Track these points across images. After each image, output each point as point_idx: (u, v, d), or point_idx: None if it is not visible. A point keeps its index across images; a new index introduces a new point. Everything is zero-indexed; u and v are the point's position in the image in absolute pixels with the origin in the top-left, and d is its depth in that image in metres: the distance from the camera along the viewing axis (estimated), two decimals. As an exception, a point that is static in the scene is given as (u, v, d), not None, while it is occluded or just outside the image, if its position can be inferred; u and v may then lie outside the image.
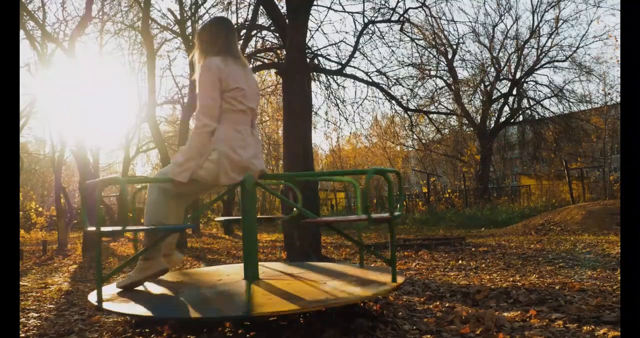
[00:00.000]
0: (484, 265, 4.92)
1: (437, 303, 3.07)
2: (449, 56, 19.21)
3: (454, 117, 20.69)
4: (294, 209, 3.51)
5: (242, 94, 2.89)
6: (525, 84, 20.52)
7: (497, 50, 20.61)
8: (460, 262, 5.30)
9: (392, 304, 3.05)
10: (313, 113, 10.26)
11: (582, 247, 6.17)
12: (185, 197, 3.06)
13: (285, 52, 7.78)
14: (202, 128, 2.81)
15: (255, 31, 12.05)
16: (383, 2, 12.59)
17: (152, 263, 2.89)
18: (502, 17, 20.77)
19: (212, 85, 2.84)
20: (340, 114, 12.94)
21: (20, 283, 4.91)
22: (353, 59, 10.88)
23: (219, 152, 2.80)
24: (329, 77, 12.13)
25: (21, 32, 10.63)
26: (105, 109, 22.96)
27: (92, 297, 2.64)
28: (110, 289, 2.93)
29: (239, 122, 2.90)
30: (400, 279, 2.72)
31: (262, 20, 11.87)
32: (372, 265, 3.69)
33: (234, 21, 12.22)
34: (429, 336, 2.34)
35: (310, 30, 9.85)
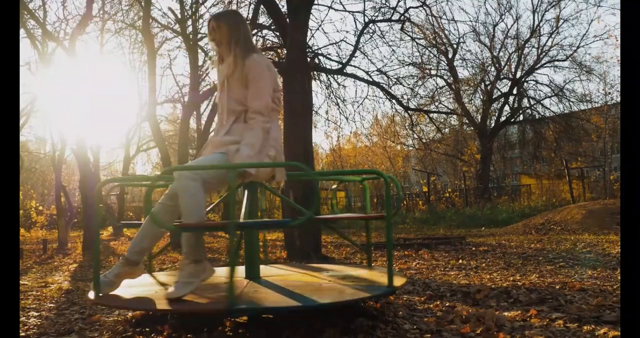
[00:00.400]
0: (484, 265, 4.92)
1: (438, 302, 3.07)
2: (450, 55, 19.20)
3: (455, 116, 20.70)
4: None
5: (281, 96, 2.96)
6: (525, 84, 20.53)
7: (497, 50, 20.64)
8: (460, 261, 5.30)
9: (392, 303, 3.05)
10: (313, 112, 10.25)
11: (583, 247, 6.17)
12: (212, 190, 2.96)
13: (285, 51, 7.78)
14: (266, 123, 2.77)
15: (255, 30, 12.03)
16: (384, 2, 12.57)
17: (205, 265, 2.64)
18: (503, 17, 20.88)
19: (272, 83, 2.82)
20: (340, 113, 12.97)
21: (21, 282, 4.91)
22: (354, 58, 10.88)
23: (276, 150, 2.80)
24: (329, 76, 12.12)
25: (22, 31, 10.63)
26: (105, 108, 22.97)
27: (91, 293, 2.64)
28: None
29: (278, 122, 2.96)
30: (400, 281, 2.72)
31: (263, 19, 11.86)
32: (373, 264, 3.69)
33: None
34: (429, 335, 2.34)
35: (310, 30, 9.84)
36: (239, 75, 2.80)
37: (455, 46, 19.11)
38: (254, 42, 3.04)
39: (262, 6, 10.37)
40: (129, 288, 2.77)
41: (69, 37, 10.17)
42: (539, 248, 6.28)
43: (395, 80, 13.08)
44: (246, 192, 3.04)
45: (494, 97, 20.59)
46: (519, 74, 20.41)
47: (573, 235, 8.24)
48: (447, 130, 21.28)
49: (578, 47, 19.73)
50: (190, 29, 12.82)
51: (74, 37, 9.50)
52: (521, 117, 20.65)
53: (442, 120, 20.03)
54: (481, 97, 20.91)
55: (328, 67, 11.63)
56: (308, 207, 3.93)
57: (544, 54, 20.07)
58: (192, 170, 2.56)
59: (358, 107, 16.49)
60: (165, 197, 2.69)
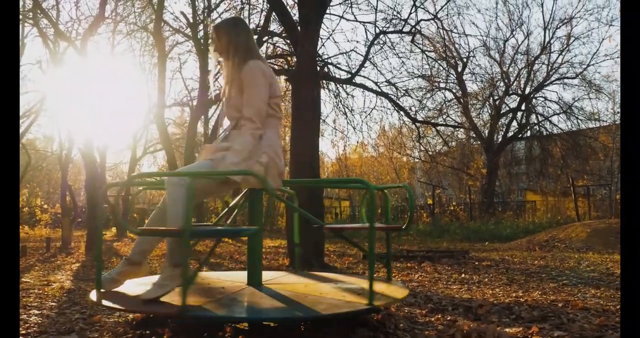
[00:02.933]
0: (486, 280, 4.90)
1: (439, 316, 3.05)
2: (459, 69, 19.23)
3: (462, 130, 20.68)
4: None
5: (280, 102, 2.94)
6: (534, 100, 20.52)
7: (507, 65, 20.66)
8: (463, 275, 5.27)
9: (393, 315, 3.03)
10: (321, 121, 10.27)
11: (586, 265, 6.13)
12: (200, 197, 3.01)
13: (295, 59, 7.81)
14: (256, 130, 2.79)
15: (266, 37, 12.11)
16: (395, 13, 12.63)
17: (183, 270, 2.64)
18: (514, 32, 20.93)
19: (265, 89, 2.84)
20: (348, 122, 13.01)
21: (23, 279, 4.92)
22: (363, 69, 10.91)
23: (268, 156, 2.79)
24: (338, 86, 12.16)
25: (34, 30, 10.72)
26: (114, 109, 23.10)
27: (92, 294, 2.64)
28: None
29: (278, 129, 2.95)
30: (403, 292, 2.71)
31: (274, 26, 11.94)
32: (376, 275, 3.68)
33: (245, 27, 12.28)
34: (429, 349, 2.32)
35: (321, 39, 9.89)
36: (237, 83, 2.85)
37: (465, 60, 19.15)
38: (256, 47, 3.03)
39: (273, 14, 10.43)
40: (130, 290, 2.77)
41: (81, 37, 10.26)
42: (542, 265, 6.24)
43: (403, 91, 13.11)
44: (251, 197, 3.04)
45: (502, 112, 20.58)
46: (527, 90, 20.41)
47: (577, 254, 8.19)
48: (453, 143, 21.26)
49: (588, 66, 19.73)
50: (201, 33, 12.92)
51: (86, 38, 9.58)
52: (529, 133, 20.62)
53: (449, 134, 20.02)
54: (489, 111, 20.92)
55: (337, 76, 11.67)
56: (311, 214, 3.93)
57: (553, 71, 20.07)
58: (178, 176, 2.58)
59: (366, 117, 16.45)
60: (162, 201, 2.77)
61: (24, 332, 2.66)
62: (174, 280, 2.54)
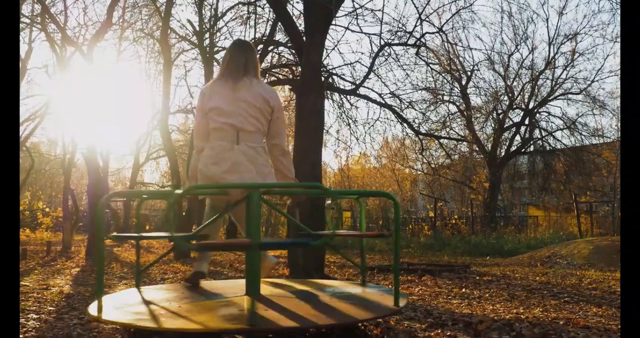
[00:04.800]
0: (487, 295, 4.87)
1: (439, 331, 3.03)
2: (463, 82, 19.26)
3: (465, 143, 20.66)
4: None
5: (217, 112, 3.12)
6: (537, 115, 20.51)
7: (511, 79, 20.67)
8: (464, 290, 5.24)
9: (392, 329, 3.01)
10: (324, 131, 10.28)
11: (588, 283, 6.09)
12: (216, 208, 3.31)
13: (300, 69, 7.83)
14: (195, 149, 3.24)
15: (272, 47, 12.15)
16: (400, 26, 12.65)
17: (197, 265, 3.29)
18: (518, 47, 20.83)
19: (199, 109, 3.23)
20: (351, 133, 12.93)
21: (22, 283, 4.91)
22: (367, 80, 10.90)
23: (199, 169, 3.12)
24: (342, 96, 12.17)
25: (42, 34, 10.77)
26: (118, 114, 23.14)
27: (94, 307, 2.63)
28: (109, 298, 2.91)
29: (217, 138, 3.12)
30: (402, 302, 2.69)
31: (280, 36, 11.97)
32: (375, 286, 3.66)
33: (251, 36, 12.33)
34: (429, 364, 2.30)
35: (326, 49, 9.92)
36: None
37: (469, 73, 19.18)
38: (224, 68, 3.35)
39: (279, 23, 10.48)
40: (127, 305, 2.76)
41: (88, 42, 10.31)
42: (543, 282, 6.20)
43: (407, 103, 13.10)
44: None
45: (505, 126, 20.57)
46: (531, 105, 20.42)
47: (579, 271, 8.15)
48: (456, 156, 21.25)
49: (592, 81, 19.71)
50: (207, 41, 12.97)
51: (93, 43, 9.63)
52: (532, 148, 20.59)
53: (452, 147, 20.01)
54: (492, 125, 20.91)
55: (341, 87, 11.68)
56: (312, 225, 3.92)
57: (557, 86, 20.08)
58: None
59: (369, 128, 16.46)
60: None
61: (22, 336, 2.65)
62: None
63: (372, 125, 13.20)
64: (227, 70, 3.26)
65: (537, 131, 20.44)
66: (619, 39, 18.34)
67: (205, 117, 3.17)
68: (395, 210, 2.79)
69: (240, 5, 13.01)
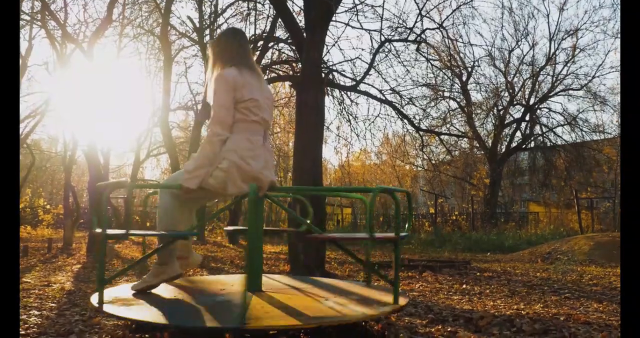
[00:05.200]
0: (488, 291, 4.87)
1: (439, 327, 3.03)
2: (464, 78, 19.23)
3: (465, 139, 20.66)
4: (302, 224, 3.51)
5: (256, 104, 2.94)
6: (538, 111, 20.48)
7: (512, 75, 20.63)
8: (464, 286, 5.25)
9: (393, 325, 3.02)
10: (325, 127, 10.27)
11: (589, 279, 6.09)
12: (194, 202, 3.13)
13: (300, 65, 7.82)
14: (214, 136, 2.86)
15: (272, 43, 12.13)
16: (401, 22, 12.63)
17: (165, 268, 2.93)
18: (519, 43, 20.79)
19: (227, 95, 2.90)
20: (351, 129, 12.91)
21: (24, 280, 4.92)
22: (368, 76, 10.89)
23: (229, 161, 2.84)
24: (342, 93, 12.15)
25: (42, 31, 10.76)
26: (118, 111, 23.11)
27: (94, 299, 2.64)
28: (111, 292, 2.92)
29: (252, 132, 2.94)
30: (402, 301, 2.70)
31: (280, 32, 11.96)
32: (376, 283, 3.67)
33: (251, 32, 12.32)
34: (429, 360, 2.31)
35: (326, 45, 9.90)
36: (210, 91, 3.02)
37: (469, 69, 19.14)
38: (241, 56, 3.10)
39: (279, 20, 10.46)
40: (132, 297, 2.77)
41: (88, 39, 10.30)
42: (544, 278, 6.21)
43: (408, 100, 13.08)
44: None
45: (506, 122, 20.55)
46: (532, 101, 20.39)
47: (579, 266, 8.15)
48: (457, 152, 21.23)
49: (593, 77, 19.67)
50: (207, 38, 12.96)
51: (93, 40, 9.61)
52: (532, 144, 20.57)
53: (452, 143, 20.00)
54: (493, 121, 20.88)
55: (342, 83, 11.65)
56: (313, 221, 3.92)
57: (558, 82, 20.05)
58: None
59: (369, 124, 16.45)
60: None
61: (23, 332, 2.66)
62: (158, 276, 2.92)
63: (373, 122, 13.19)
64: (242, 57, 3.06)
65: (537, 127, 20.42)
66: (620, 35, 18.31)
67: (234, 105, 2.91)
68: (396, 208, 2.79)
69: (240, 2, 13.00)
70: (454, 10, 12.82)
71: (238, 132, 2.91)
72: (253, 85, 2.98)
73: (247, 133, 2.92)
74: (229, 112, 2.89)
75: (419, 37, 11.33)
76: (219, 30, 13.28)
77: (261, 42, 11.42)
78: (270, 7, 11.28)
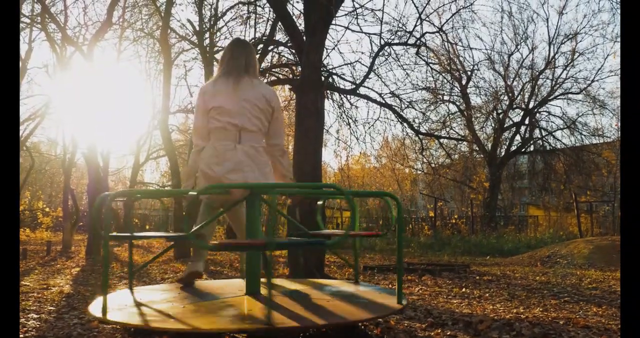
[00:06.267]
0: (487, 295, 4.87)
1: (439, 330, 3.03)
2: (463, 82, 19.24)
3: (465, 143, 20.65)
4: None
5: (220, 111, 3.09)
6: (538, 114, 20.50)
7: (511, 79, 20.65)
8: (463, 289, 5.24)
9: (392, 328, 3.01)
10: (325, 131, 10.27)
11: (588, 283, 6.09)
12: (211, 208, 3.29)
13: (300, 69, 7.82)
14: (194, 147, 3.20)
15: (272, 46, 12.13)
16: (400, 26, 12.64)
17: (192, 265, 3.28)
18: (519, 47, 20.78)
19: (198, 107, 3.18)
20: (351, 133, 12.92)
21: (23, 283, 4.91)
22: (367, 80, 10.89)
23: (200, 169, 3.08)
24: (342, 96, 12.16)
25: (42, 34, 10.77)
26: (118, 114, 23.11)
27: (96, 308, 2.63)
28: (111, 297, 2.91)
29: (219, 138, 3.09)
30: (403, 302, 2.69)
31: (280, 35, 11.96)
32: (377, 285, 3.66)
33: (251, 35, 12.32)
34: (429, 364, 2.30)
35: (326, 49, 9.92)
36: None
37: (469, 73, 19.15)
38: (223, 67, 3.27)
39: (279, 23, 10.47)
40: (127, 305, 2.76)
41: (88, 42, 10.31)
42: (543, 281, 6.20)
43: (407, 103, 13.09)
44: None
45: (505, 126, 20.56)
46: (531, 104, 20.41)
47: (579, 270, 8.15)
48: (456, 156, 21.23)
49: (592, 81, 19.68)
50: (207, 41, 12.97)
51: (93, 43, 9.63)
52: (532, 148, 20.59)
53: (452, 146, 19.99)
54: (492, 125, 20.89)
55: (342, 86, 11.67)
56: (312, 225, 3.92)
57: (557, 85, 20.07)
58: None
59: (369, 128, 16.43)
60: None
61: (22, 336, 2.65)
62: (186, 270, 3.30)
63: (372, 125, 13.19)
64: (227, 68, 3.21)
65: (537, 131, 20.44)
66: (619, 39, 18.33)
67: (205, 115, 3.12)
68: (399, 211, 2.79)
69: (240, 5, 13.00)
70: (453, 14, 12.81)
71: (211, 139, 3.12)
72: (222, 92, 3.12)
73: (214, 140, 3.10)
74: (201, 124, 3.14)
75: (418, 41, 11.34)
76: (218, 34, 13.30)
77: (261, 46, 11.42)
78: (270, 11, 11.29)
